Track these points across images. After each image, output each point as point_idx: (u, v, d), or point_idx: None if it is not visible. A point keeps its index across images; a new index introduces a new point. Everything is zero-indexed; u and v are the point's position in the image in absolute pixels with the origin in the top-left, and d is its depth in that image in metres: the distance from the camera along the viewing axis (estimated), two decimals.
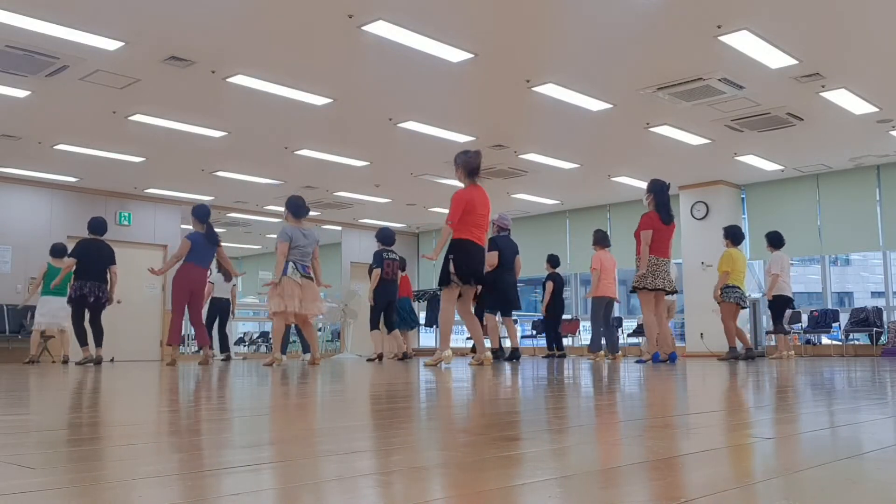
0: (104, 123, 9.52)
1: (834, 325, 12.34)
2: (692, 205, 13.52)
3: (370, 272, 10.52)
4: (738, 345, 9.50)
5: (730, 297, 9.40)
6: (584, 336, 15.79)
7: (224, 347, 11.50)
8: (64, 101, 8.71)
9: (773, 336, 13.08)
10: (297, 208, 8.01)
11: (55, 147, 10.59)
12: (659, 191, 7.95)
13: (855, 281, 28.59)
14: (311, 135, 10.18)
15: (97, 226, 9.38)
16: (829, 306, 12.74)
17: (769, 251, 10.17)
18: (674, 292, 8.11)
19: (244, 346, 20.17)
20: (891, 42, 7.25)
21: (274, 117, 9.33)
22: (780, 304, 9.99)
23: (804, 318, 12.82)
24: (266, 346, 20.11)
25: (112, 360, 11.94)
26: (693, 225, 13.47)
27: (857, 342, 12.57)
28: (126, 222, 13.59)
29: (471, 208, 6.70)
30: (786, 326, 10.12)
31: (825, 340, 13.29)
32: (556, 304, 11.46)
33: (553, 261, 11.64)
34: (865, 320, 12.05)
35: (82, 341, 9.18)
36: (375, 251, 10.48)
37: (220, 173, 12.17)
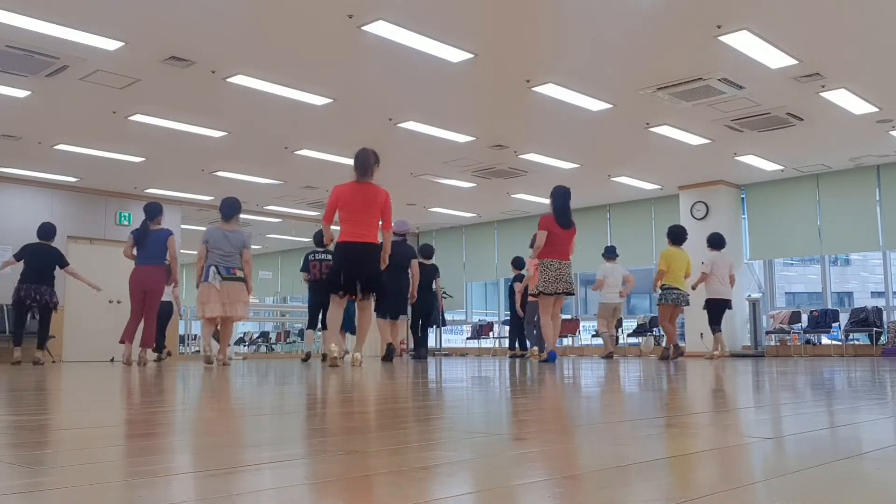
0: (104, 123, 9.52)
1: (834, 325, 12.35)
2: (692, 205, 13.52)
3: None
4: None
5: (667, 298, 9.61)
6: (584, 335, 15.80)
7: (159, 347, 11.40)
8: (64, 101, 8.71)
9: (773, 336, 13.12)
10: (225, 209, 7.99)
11: (55, 147, 10.59)
12: (555, 196, 8.15)
13: (855, 281, 28.59)
14: (311, 135, 10.18)
15: (43, 231, 9.53)
16: (829, 306, 12.74)
17: (708, 251, 10.23)
18: (569, 294, 8.10)
19: (244, 346, 20.20)
20: (891, 42, 7.26)
21: (274, 117, 9.33)
22: (712, 306, 10.03)
23: (804, 318, 12.82)
24: (266, 345, 20.16)
25: (112, 360, 11.95)
26: (693, 225, 13.44)
27: (857, 342, 12.57)
28: (126, 222, 13.58)
29: (343, 204, 6.50)
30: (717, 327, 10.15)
31: (825, 340, 13.29)
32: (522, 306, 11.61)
33: (517, 263, 11.79)
34: (865, 320, 12.05)
35: (16, 342, 9.38)
36: (306, 254, 10.30)
37: (220, 173, 12.17)
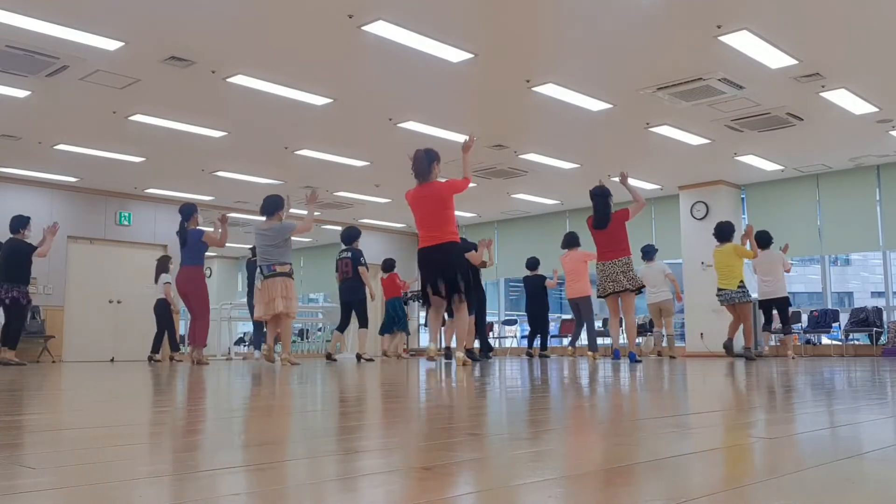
0: (104, 123, 9.51)
1: (834, 325, 12.34)
2: (692, 205, 13.52)
3: None
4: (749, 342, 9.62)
5: (719, 300, 9.68)
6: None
7: (156, 349, 11.13)
8: (64, 101, 8.71)
9: (773, 336, 13.13)
10: (262, 207, 8.15)
11: (55, 147, 10.58)
12: (591, 196, 8.24)
13: (855, 281, 28.59)
14: (311, 135, 10.18)
15: (12, 223, 9.35)
16: (829, 306, 12.73)
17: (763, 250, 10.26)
18: (623, 291, 8.07)
19: (244, 346, 20.18)
20: (891, 42, 7.25)
21: (274, 117, 9.33)
22: (762, 308, 10.20)
23: (804, 318, 12.83)
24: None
25: (112, 360, 11.95)
26: (693, 225, 13.46)
27: (857, 342, 12.57)
28: (126, 222, 13.59)
29: (412, 209, 6.66)
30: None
31: (825, 340, 13.29)
32: (531, 306, 11.60)
33: (530, 264, 11.77)
34: (865, 320, 12.05)
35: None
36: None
37: (220, 173, 12.17)
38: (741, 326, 9.58)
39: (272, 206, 8.05)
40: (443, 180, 6.75)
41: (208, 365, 8.22)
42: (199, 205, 14.13)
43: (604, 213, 8.04)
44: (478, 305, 10.26)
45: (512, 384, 3.81)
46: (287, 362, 7.79)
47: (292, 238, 8.06)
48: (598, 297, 8.39)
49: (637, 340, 14.39)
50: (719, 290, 9.55)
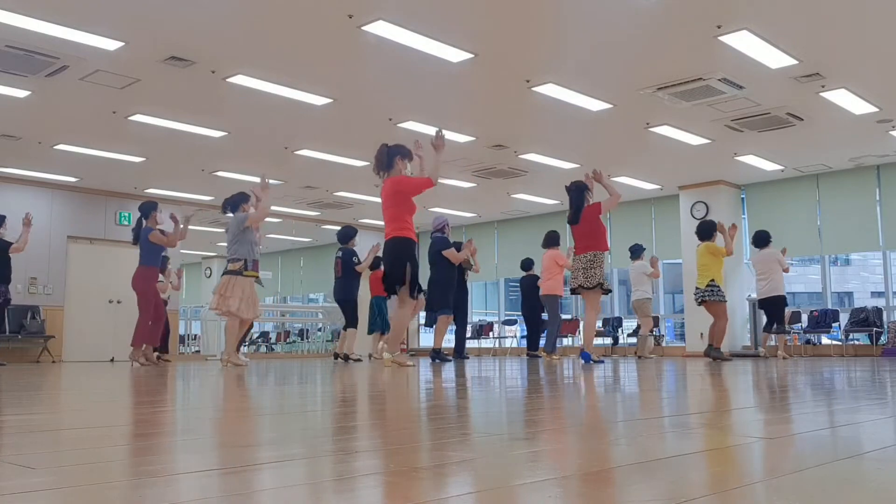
0: (104, 123, 9.51)
1: (834, 325, 12.34)
2: (692, 205, 13.52)
3: None
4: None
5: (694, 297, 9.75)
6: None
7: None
8: (64, 101, 8.71)
9: (772, 336, 13.13)
10: (227, 205, 8.24)
11: (55, 147, 10.58)
12: (567, 191, 8.24)
13: (855, 281, 28.58)
14: (311, 135, 10.18)
15: None
16: (829, 306, 12.73)
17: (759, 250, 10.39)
18: (582, 289, 8.02)
19: (245, 345, 20.15)
20: (891, 42, 7.25)
21: (274, 117, 9.33)
22: (763, 308, 10.29)
23: (804, 318, 12.82)
24: (266, 345, 20.14)
25: (112, 360, 11.94)
26: (693, 225, 13.42)
27: (857, 342, 12.57)
28: (126, 222, 13.57)
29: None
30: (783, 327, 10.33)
31: (825, 340, 13.29)
32: (526, 307, 11.65)
33: (523, 264, 11.85)
34: (865, 320, 12.04)
35: None
36: None
37: (220, 173, 12.17)
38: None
39: (236, 201, 8.17)
40: (410, 174, 6.83)
41: (143, 367, 7.86)
42: (198, 205, 14.21)
43: (575, 208, 8.06)
44: (460, 306, 10.30)
45: (508, 385, 3.81)
46: (228, 363, 7.53)
47: (254, 231, 7.99)
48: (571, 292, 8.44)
49: (636, 340, 14.38)
50: (695, 288, 9.68)
